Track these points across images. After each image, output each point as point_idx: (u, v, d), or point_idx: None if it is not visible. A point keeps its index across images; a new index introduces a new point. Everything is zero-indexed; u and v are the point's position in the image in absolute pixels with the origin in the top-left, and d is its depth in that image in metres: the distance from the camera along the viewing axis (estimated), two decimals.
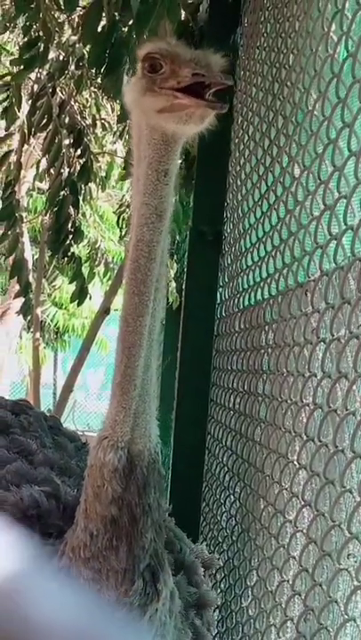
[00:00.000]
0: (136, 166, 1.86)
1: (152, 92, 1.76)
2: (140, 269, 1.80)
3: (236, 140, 3.50)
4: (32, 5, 3.63)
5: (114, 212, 8.19)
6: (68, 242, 4.69)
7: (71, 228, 4.66)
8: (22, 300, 5.59)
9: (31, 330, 8.10)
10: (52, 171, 4.78)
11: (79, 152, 4.77)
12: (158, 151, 1.80)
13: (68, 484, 2.13)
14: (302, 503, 2.07)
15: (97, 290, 8.12)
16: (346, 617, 1.70)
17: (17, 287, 5.41)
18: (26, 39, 4.10)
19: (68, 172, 4.63)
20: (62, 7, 3.59)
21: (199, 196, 3.80)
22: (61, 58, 4.55)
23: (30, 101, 4.76)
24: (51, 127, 4.51)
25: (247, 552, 2.79)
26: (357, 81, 1.86)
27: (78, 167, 4.74)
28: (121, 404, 1.80)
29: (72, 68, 4.52)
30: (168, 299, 4.86)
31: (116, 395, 1.81)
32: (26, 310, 5.70)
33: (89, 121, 5.45)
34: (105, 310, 7.35)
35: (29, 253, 7.07)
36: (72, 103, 4.86)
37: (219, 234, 3.65)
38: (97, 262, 8.02)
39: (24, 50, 4.03)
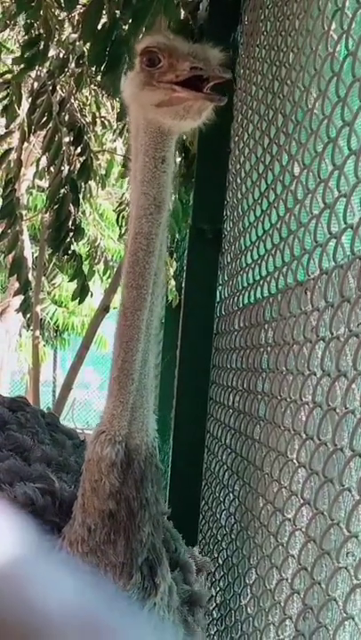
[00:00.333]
0: (134, 160, 1.86)
1: (150, 86, 1.76)
2: (138, 262, 1.80)
3: (236, 139, 3.50)
4: (33, 3, 3.63)
5: (113, 210, 8.19)
6: (68, 239, 4.67)
7: (71, 225, 4.65)
8: (22, 297, 5.59)
9: (31, 328, 8.09)
10: (51, 168, 4.76)
11: (79, 150, 4.76)
12: (155, 139, 1.80)
13: (65, 480, 2.12)
14: (301, 501, 2.07)
15: (97, 288, 8.11)
16: (345, 615, 1.70)
17: (17, 285, 5.39)
18: (27, 37, 4.10)
19: (68, 170, 4.62)
20: (62, 5, 3.58)
21: (199, 194, 3.79)
22: (61, 56, 4.54)
23: (30, 99, 4.75)
24: (51, 125, 4.50)
25: (246, 550, 2.79)
26: (357, 80, 1.86)
27: (78, 165, 4.73)
28: (118, 399, 1.80)
29: (72, 65, 4.52)
30: (167, 297, 4.85)
31: (113, 389, 1.81)
32: (25, 308, 5.69)
33: (89, 119, 5.44)
34: (104, 308, 7.34)
35: (29, 251, 7.05)
36: (72, 101, 4.84)
37: (218, 232, 3.65)
38: (96, 260, 8.01)
39: (25, 48, 4.03)
